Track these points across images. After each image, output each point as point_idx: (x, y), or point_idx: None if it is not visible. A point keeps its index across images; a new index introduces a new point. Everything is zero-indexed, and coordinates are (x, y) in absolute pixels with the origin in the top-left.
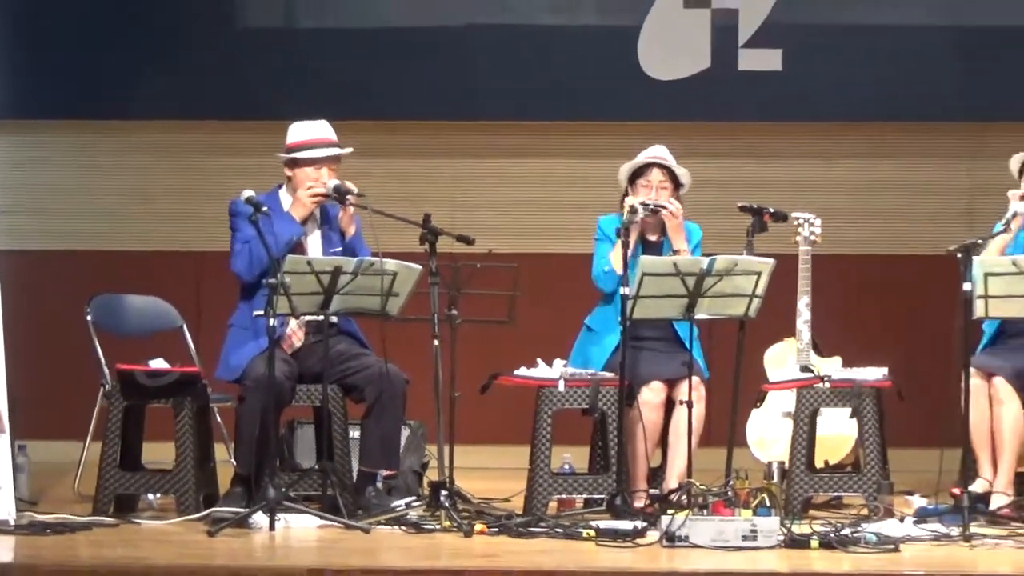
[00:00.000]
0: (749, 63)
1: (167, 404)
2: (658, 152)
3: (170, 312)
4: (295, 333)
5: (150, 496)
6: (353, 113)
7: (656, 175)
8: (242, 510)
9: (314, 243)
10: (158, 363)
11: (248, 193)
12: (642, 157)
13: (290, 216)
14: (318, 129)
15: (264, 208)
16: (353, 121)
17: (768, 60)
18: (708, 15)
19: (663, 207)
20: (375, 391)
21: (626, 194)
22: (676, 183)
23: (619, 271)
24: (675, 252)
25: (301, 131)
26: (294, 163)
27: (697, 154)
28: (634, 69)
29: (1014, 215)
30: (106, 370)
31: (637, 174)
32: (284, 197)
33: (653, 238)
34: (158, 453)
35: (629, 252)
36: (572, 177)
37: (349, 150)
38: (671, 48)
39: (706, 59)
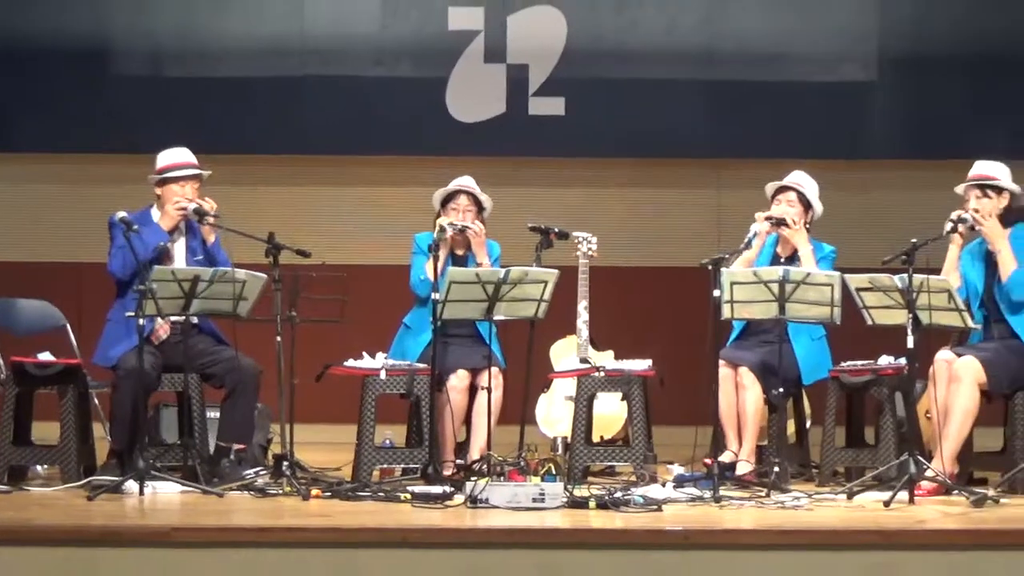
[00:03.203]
0: (538, 109)
1: (53, 390)
2: (466, 181)
3: (56, 313)
4: (162, 327)
5: (38, 467)
6: (208, 148)
7: (464, 200)
8: (116, 479)
9: (179, 251)
10: (45, 356)
11: (121, 214)
12: (453, 185)
13: (159, 226)
14: (181, 154)
15: (135, 227)
16: (208, 155)
17: (553, 106)
18: (504, 69)
19: (468, 227)
20: (234, 380)
21: (439, 216)
22: (480, 207)
23: (432, 279)
24: (478, 264)
25: (168, 157)
26: (163, 182)
27: (495, 184)
28: (442, 113)
29: (754, 234)
30: (1, 362)
31: (448, 199)
32: (155, 213)
33: (460, 252)
34: (45, 431)
35: (440, 264)
36: (391, 202)
37: (208, 172)
38: (473, 96)
39: (502, 105)
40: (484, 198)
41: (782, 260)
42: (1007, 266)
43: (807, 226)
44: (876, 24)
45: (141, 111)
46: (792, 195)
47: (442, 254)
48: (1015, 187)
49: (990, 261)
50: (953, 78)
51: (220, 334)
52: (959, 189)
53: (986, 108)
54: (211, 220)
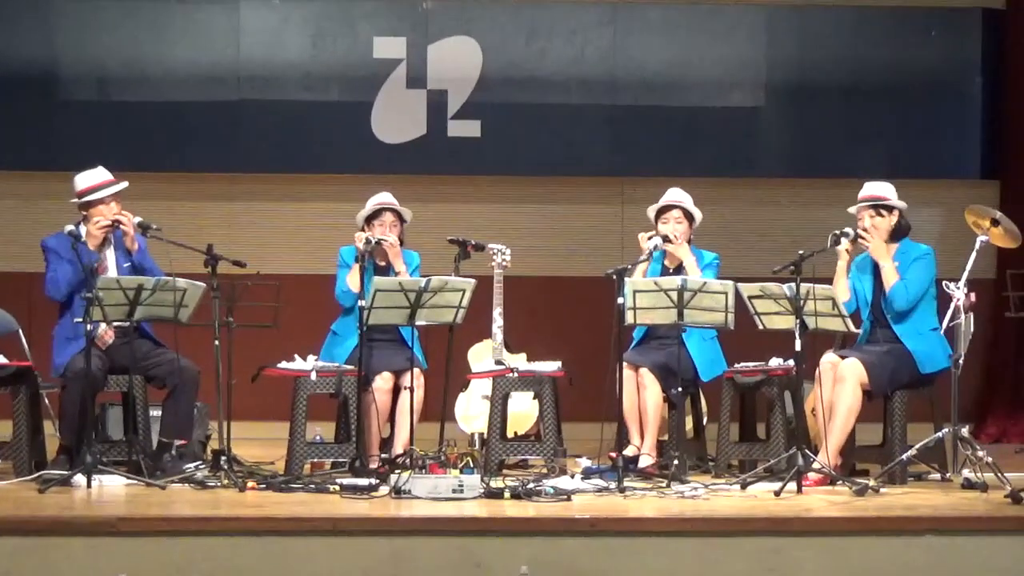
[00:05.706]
0: (456, 131)
1: (6, 391)
2: (386, 198)
3: (8, 319)
4: (107, 332)
5: None
6: (151, 166)
7: (389, 217)
8: (66, 473)
9: (111, 261)
10: None
11: (69, 227)
12: (375, 203)
13: (85, 245)
14: (99, 175)
15: (82, 239)
16: (151, 172)
17: (470, 129)
18: (424, 94)
19: (383, 240)
20: (175, 380)
21: (362, 230)
22: (402, 220)
23: (355, 290)
24: (397, 273)
25: (86, 179)
26: (87, 204)
27: (416, 200)
28: (368, 135)
29: (655, 247)
30: None
31: (373, 216)
32: (83, 230)
33: (383, 263)
34: None
35: (362, 275)
36: (321, 217)
37: (125, 184)
38: (396, 119)
39: (423, 127)
40: (404, 211)
41: (670, 271)
42: (889, 279)
43: (690, 237)
44: (763, 56)
45: (89, 132)
46: (678, 212)
47: (360, 266)
48: (902, 204)
49: (878, 274)
50: (832, 105)
51: (156, 337)
52: (852, 209)
53: (861, 132)
54: (152, 233)
